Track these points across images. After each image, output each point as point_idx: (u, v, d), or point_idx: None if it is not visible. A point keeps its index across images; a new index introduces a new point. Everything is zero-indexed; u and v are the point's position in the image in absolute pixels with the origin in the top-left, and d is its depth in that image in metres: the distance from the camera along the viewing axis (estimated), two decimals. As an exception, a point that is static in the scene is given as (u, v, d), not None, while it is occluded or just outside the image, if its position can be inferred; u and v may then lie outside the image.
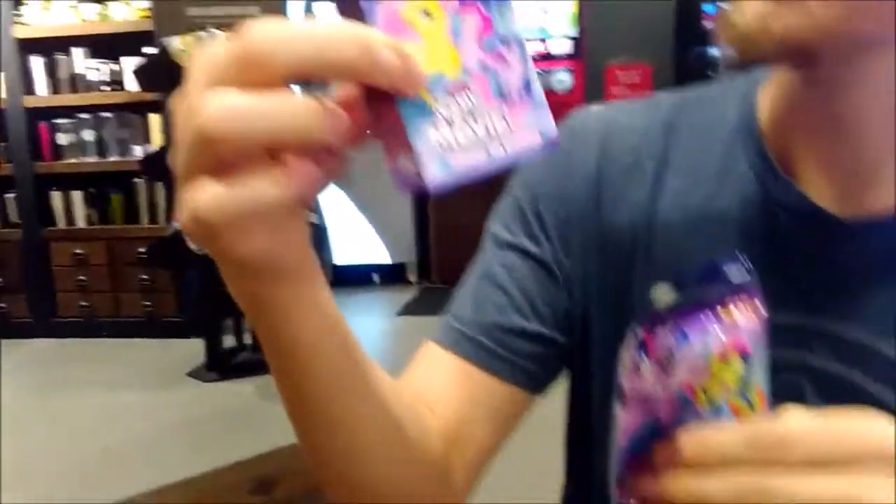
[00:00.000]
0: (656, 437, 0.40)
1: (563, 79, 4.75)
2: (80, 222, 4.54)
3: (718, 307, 0.40)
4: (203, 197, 0.33)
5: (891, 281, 0.52)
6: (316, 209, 4.81)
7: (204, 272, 3.92)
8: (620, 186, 0.61)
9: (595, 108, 0.66)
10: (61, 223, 4.55)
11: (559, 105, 4.66)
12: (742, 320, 0.39)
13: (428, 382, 0.61)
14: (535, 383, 0.62)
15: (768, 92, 0.58)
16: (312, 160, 0.34)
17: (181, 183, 0.35)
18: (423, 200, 4.94)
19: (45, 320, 4.56)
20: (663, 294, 0.40)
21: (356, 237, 5.17)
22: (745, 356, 0.39)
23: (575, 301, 0.62)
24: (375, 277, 5.30)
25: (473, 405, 0.60)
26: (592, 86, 4.75)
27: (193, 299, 4.32)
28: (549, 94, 5.19)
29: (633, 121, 0.63)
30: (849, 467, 0.37)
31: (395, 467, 0.53)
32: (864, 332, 0.52)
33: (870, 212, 0.53)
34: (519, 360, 0.61)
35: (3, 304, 4.58)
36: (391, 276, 5.24)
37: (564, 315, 0.62)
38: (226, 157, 0.33)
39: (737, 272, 0.40)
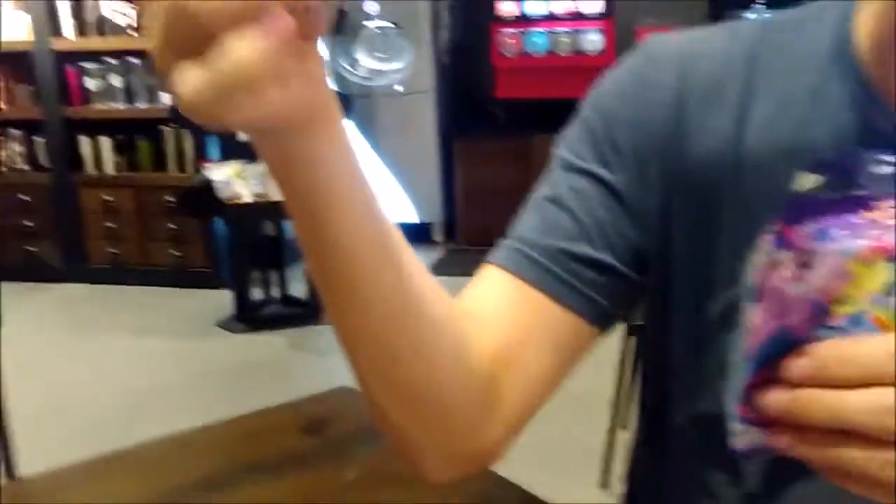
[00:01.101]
0: (788, 349, 0.37)
1: (593, 39, 4.66)
2: (109, 169, 4.54)
3: (863, 203, 0.36)
4: (189, 82, 0.33)
5: None
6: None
7: (232, 224, 3.92)
8: (702, 115, 0.57)
9: (672, 35, 0.62)
10: (90, 169, 4.55)
11: (589, 66, 4.61)
12: (890, 220, 0.35)
13: (481, 303, 0.58)
14: (601, 318, 0.59)
15: (868, 12, 0.54)
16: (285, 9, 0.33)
17: (161, 73, 0.34)
18: (449, 160, 4.90)
19: (75, 266, 4.59)
20: (806, 181, 0.36)
21: (383, 195, 5.13)
22: (892, 260, 0.35)
23: (651, 236, 0.59)
24: (401, 236, 5.27)
25: (532, 330, 0.57)
26: (623, 47, 4.66)
27: (222, 250, 4.33)
28: (580, 54, 5.09)
29: (713, 47, 0.59)
30: None
31: (429, 366, 0.51)
32: None
33: None
34: (587, 290, 0.58)
35: (34, 248, 4.61)
36: (417, 235, 5.22)
37: (637, 250, 0.59)
38: (198, 32, 0.32)
39: (884, 167, 0.36)
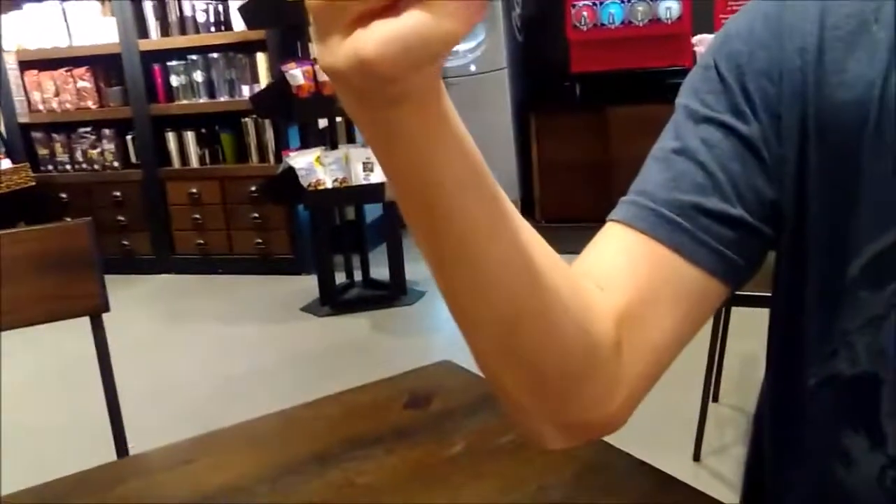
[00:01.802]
0: None
1: (670, 6, 4.52)
2: (194, 162, 4.67)
3: None
4: (374, 37, 0.32)
5: None
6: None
7: (314, 209, 3.98)
8: (843, 60, 0.54)
9: None
10: (176, 163, 4.70)
11: (665, 35, 4.48)
12: None
13: (602, 264, 0.56)
14: (733, 274, 0.56)
15: None
16: None
17: (334, 30, 0.33)
18: (526, 137, 4.86)
19: (165, 257, 4.76)
20: None
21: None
22: None
23: (785, 189, 0.56)
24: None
25: (659, 290, 0.55)
26: (701, 15, 4.50)
27: (304, 237, 4.41)
28: (657, 22, 4.94)
29: None
30: None
31: (550, 335, 0.49)
32: None
33: None
34: (719, 247, 0.55)
35: (127, 242, 4.80)
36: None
37: (771, 204, 0.56)
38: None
39: None
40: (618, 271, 0.55)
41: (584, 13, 4.49)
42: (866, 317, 0.55)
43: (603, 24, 4.51)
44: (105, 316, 1.34)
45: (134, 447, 1.29)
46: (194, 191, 4.62)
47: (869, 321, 0.54)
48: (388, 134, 0.40)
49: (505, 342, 0.49)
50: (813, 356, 0.59)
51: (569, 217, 4.19)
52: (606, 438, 0.61)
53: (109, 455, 1.23)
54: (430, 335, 3.55)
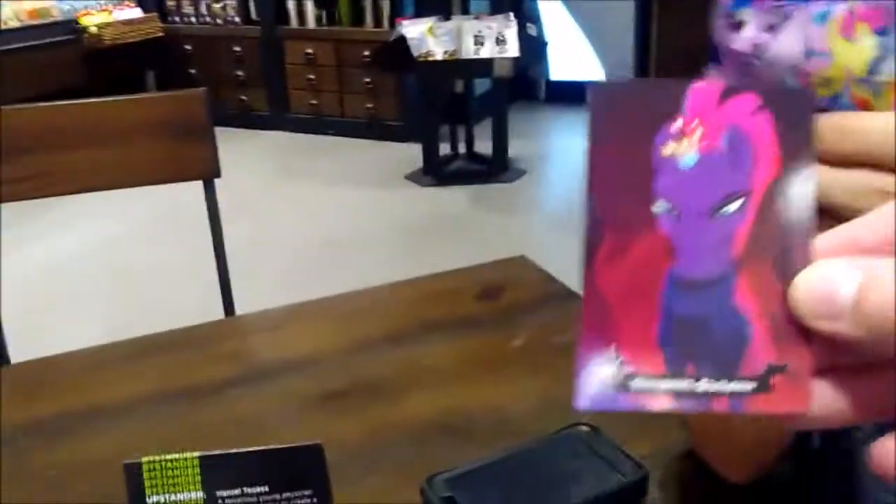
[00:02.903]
0: None
1: None
2: (311, 22, 4.72)
3: None
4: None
5: None
6: (536, 20, 4.67)
7: (423, 79, 4.00)
8: None
9: None
10: (294, 22, 4.76)
11: None
12: None
13: None
14: None
15: None
16: None
17: None
18: (646, 15, 4.64)
19: (280, 114, 4.92)
20: None
21: (573, 52, 5.00)
22: (879, 32, 0.28)
23: None
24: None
25: None
26: None
27: (413, 105, 4.45)
28: None
29: None
30: None
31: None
32: None
33: None
34: None
35: (244, 97, 4.97)
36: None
37: None
38: None
39: None
40: None
41: None
42: None
43: None
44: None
45: (237, 307, 1.42)
46: (310, 51, 4.70)
47: None
48: None
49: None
50: None
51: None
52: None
53: (217, 308, 1.37)
54: (527, 215, 3.60)
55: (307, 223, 3.57)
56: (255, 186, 3.98)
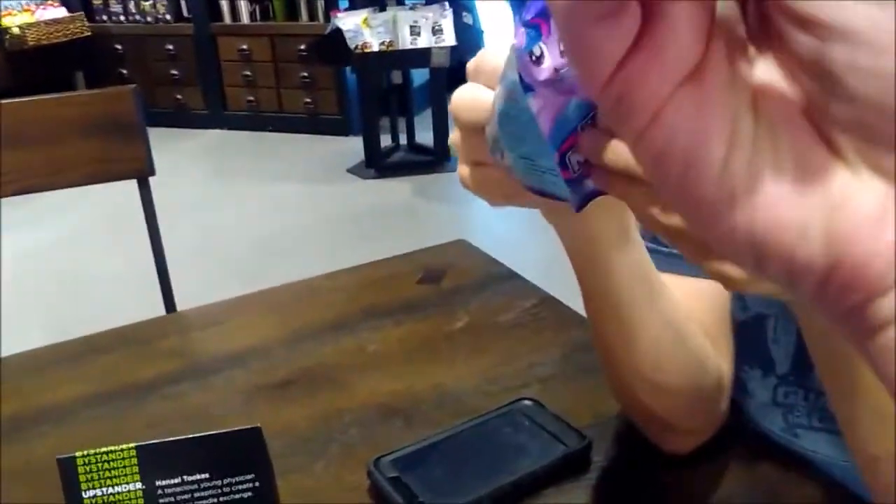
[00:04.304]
0: (582, 116, 0.35)
1: None
2: (244, 18, 4.66)
3: None
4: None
5: None
6: (471, 9, 4.68)
7: (361, 71, 3.98)
8: None
9: None
10: (227, 18, 4.69)
11: None
12: None
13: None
14: None
15: None
16: None
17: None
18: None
19: (216, 112, 4.84)
20: None
21: (510, 39, 5.03)
22: None
23: None
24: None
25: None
26: None
27: (352, 98, 4.43)
28: None
29: None
30: None
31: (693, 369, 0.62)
32: None
33: None
34: None
35: (180, 96, 4.88)
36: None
37: None
38: None
39: None
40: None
41: None
42: None
43: None
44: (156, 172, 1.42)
45: (178, 304, 1.40)
46: (245, 47, 4.63)
47: None
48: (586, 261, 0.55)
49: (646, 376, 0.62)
50: None
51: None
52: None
53: (158, 306, 1.35)
54: (471, 203, 3.62)
55: (248, 221, 3.53)
56: (195, 186, 3.91)
